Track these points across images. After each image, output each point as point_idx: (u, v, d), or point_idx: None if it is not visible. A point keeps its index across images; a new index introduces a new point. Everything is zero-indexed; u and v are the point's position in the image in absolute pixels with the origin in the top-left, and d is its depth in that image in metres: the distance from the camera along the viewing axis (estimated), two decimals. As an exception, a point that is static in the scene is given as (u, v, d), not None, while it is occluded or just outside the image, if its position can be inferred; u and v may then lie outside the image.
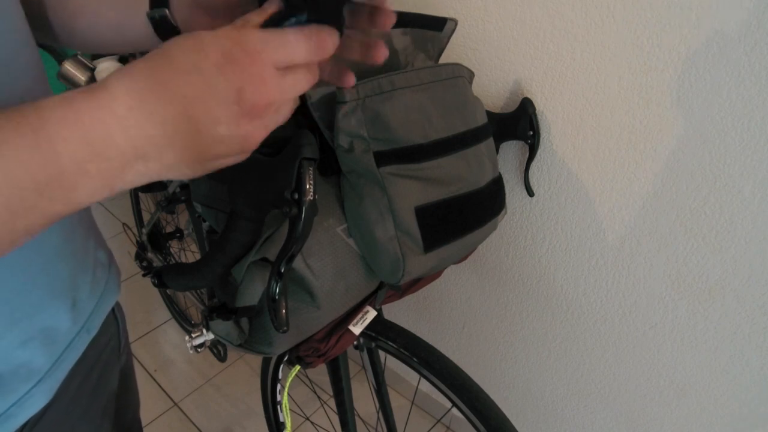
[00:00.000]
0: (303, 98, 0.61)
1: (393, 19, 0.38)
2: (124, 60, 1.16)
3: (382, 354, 0.86)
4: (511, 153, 0.89)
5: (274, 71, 0.30)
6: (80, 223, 0.47)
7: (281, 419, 1.02)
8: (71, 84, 0.90)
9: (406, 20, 0.65)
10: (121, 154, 0.27)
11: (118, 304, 0.57)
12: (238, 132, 0.29)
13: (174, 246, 1.51)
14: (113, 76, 0.28)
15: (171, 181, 0.98)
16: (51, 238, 0.42)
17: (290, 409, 1.06)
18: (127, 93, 0.27)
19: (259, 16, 0.32)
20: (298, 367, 0.75)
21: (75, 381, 0.48)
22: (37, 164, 0.25)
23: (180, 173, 0.30)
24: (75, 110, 0.26)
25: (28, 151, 0.25)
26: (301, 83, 0.32)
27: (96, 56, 0.96)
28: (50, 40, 0.49)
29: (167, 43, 0.29)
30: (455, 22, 0.71)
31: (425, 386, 1.40)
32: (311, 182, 0.45)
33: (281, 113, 0.32)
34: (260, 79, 0.29)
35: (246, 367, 1.59)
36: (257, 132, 0.31)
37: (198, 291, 1.40)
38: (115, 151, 0.27)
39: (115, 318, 0.56)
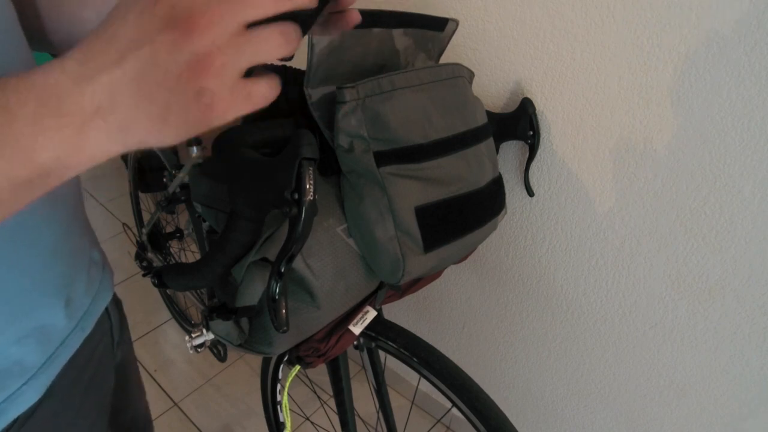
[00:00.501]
0: (303, 98, 0.61)
1: (357, 19, 0.37)
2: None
3: (382, 354, 0.86)
4: (511, 153, 0.89)
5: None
6: (75, 222, 0.47)
7: (281, 419, 1.02)
8: None
9: (407, 20, 0.65)
10: (77, 108, 0.26)
11: (114, 301, 0.57)
12: (179, 56, 0.26)
13: (174, 246, 1.51)
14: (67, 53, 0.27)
15: (171, 181, 0.98)
16: (47, 237, 0.42)
17: (290, 409, 1.06)
18: (78, 50, 0.26)
19: None
20: (298, 367, 0.75)
21: (67, 378, 0.48)
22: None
23: (147, 131, 0.28)
24: (29, 73, 0.26)
25: None
26: (268, 37, 0.27)
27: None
28: (45, 47, 0.49)
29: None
30: (456, 22, 0.71)
31: (425, 386, 1.40)
32: (311, 182, 0.45)
33: (240, 46, 0.27)
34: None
35: (246, 367, 1.59)
36: (209, 64, 0.26)
37: (198, 291, 1.40)
38: (69, 105, 0.26)
39: (108, 316, 0.56)
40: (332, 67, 0.59)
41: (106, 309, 0.55)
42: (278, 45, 0.28)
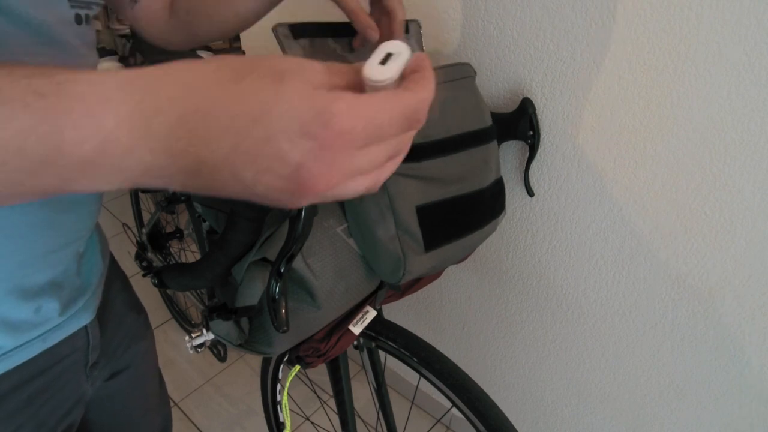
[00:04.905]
0: None
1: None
2: (123, 60, 1.16)
3: (382, 354, 0.86)
4: (511, 153, 0.89)
5: (351, 154, 0.24)
6: (69, 248, 0.47)
7: (281, 419, 1.02)
8: None
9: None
10: (141, 169, 0.24)
11: (96, 321, 0.55)
12: (275, 196, 0.25)
13: (174, 246, 1.51)
14: (166, 79, 0.24)
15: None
16: (29, 247, 0.42)
17: (290, 409, 1.06)
18: (177, 114, 0.23)
19: (356, 74, 0.26)
20: (298, 367, 0.75)
21: (8, 381, 0.46)
22: (34, 144, 0.22)
23: (199, 192, 0.27)
24: (105, 105, 0.23)
25: (29, 122, 0.22)
26: (376, 174, 0.27)
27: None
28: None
29: (249, 60, 0.24)
30: (417, 21, 0.72)
31: (425, 386, 1.40)
32: (311, 182, 0.45)
33: (330, 196, 0.26)
34: (329, 164, 0.24)
35: (246, 367, 1.59)
36: (295, 204, 0.26)
37: (198, 291, 1.40)
38: (134, 164, 0.24)
39: (87, 334, 0.53)
40: None
41: (85, 327, 0.52)
42: (363, 191, 0.28)
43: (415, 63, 0.27)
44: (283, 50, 0.62)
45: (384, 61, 0.26)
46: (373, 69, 0.25)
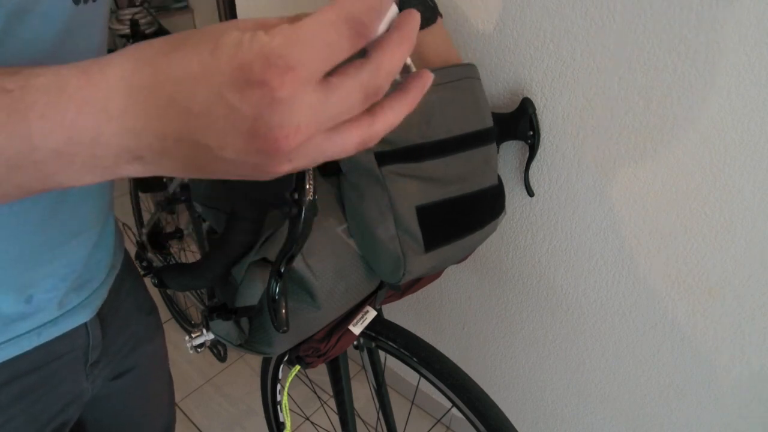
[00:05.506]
0: None
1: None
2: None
3: (382, 354, 0.86)
4: (511, 153, 0.89)
5: (310, 93, 0.23)
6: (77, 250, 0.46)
7: (281, 419, 1.02)
8: None
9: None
10: (112, 154, 0.24)
11: (100, 323, 0.54)
12: (249, 160, 0.24)
13: (174, 246, 1.51)
14: (116, 60, 0.24)
15: (171, 181, 0.98)
16: (20, 240, 0.41)
17: (290, 409, 1.06)
18: (127, 91, 0.23)
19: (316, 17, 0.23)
20: (298, 367, 0.75)
21: (2, 375, 0.46)
22: (5, 140, 0.22)
23: (182, 175, 0.27)
24: (63, 95, 0.23)
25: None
26: (353, 107, 0.24)
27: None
28: None
29: (188, 32, 0.24)
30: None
31: (425, 386, 1.40)
32: (311, 182, 0.45)
33: (315, 154, 0.25)
34: (288, 110, 0.22)
35: (246, 367, 1.59)
36: (276, 166, 0.25)
37: (198, 291, 1.40)
38: (104, 149, 0.24)
39: (87, 332, 0.53)
40: None
41: (85, 324, 0.52)
42: (356, 145, 0.26)
43: (402, 18, 0.25)
44: None
45: None
46: None
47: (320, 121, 0.24)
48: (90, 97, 0.23)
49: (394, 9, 0.25)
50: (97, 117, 0.23)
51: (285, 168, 0.25)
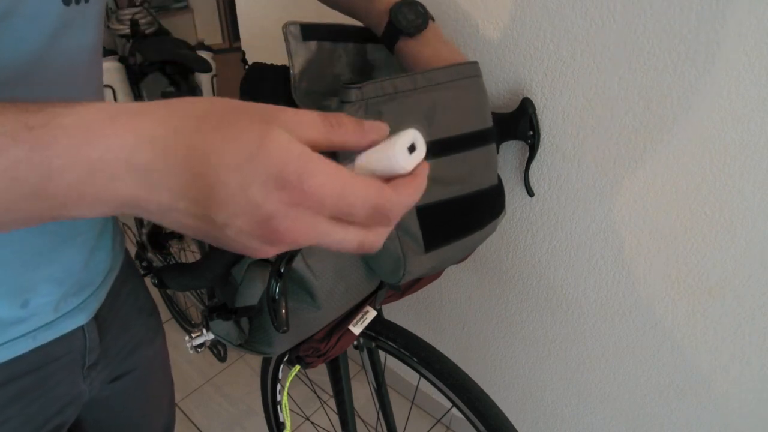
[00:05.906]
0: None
1: None
2: (123, 60, 1.16)
3: (382, 354, 0.86)
4: (511, 153, 0.89)
5: (321, 220, 0.25)
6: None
7: (281, 419, 1.02)
8: None
9: (369, 36, 0.69)
10: (122, 197, 0.25)
11: (94, 323, 0.54)
12: (247, 243, 0.26)
13: (174, 246, 1.51)
14: (148, 117, 0.25)
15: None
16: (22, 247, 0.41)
17: (290, 409, 1.06)
18: (154, 152, 0.24)
19: (355, 131, 0.27)
20: (298, 367, 0.75)
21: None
22: (24, 173, 0.24)
23: (177, 230, 0.28)
24: (86, 139, 0.24)
25: (21, 157, 0.23)
26: (347, 242, 0.27)
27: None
28: None
29: (228, 107, 0.25)
30: None
31: (425, 386, 1.40)
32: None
33: (305, 245, 0.27)
34: (298, 221, 0.24)
35: (246, 367, 1.59)
36: (268, 252, 0.27)
37: (198, 291, 1.40)
38: (114, 194, 0.25)
39: (84, 335, 0.53)
40: (311, 83, 0.64)
41: (82, 327, 0.52)
42: (356, 246, 0.28)
43: (418, 167, 0.28)
44: (289, 51, 0.62)
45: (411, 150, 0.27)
46: (403, 155, 0.26)
47: (317, 237, 0.26)
48: (114, 146, 0.24)
49: (422, 149, 0.27)
50: (116, 165, 0.24)
51: (273, 253, 0.27)
